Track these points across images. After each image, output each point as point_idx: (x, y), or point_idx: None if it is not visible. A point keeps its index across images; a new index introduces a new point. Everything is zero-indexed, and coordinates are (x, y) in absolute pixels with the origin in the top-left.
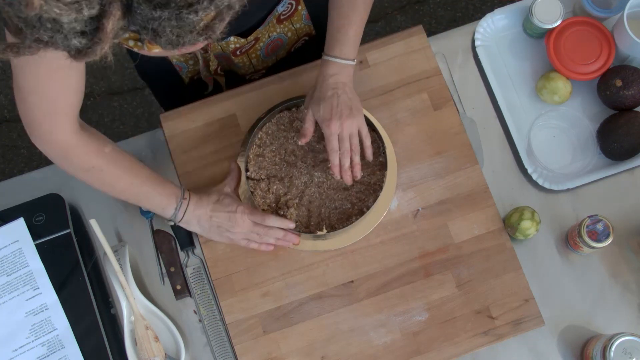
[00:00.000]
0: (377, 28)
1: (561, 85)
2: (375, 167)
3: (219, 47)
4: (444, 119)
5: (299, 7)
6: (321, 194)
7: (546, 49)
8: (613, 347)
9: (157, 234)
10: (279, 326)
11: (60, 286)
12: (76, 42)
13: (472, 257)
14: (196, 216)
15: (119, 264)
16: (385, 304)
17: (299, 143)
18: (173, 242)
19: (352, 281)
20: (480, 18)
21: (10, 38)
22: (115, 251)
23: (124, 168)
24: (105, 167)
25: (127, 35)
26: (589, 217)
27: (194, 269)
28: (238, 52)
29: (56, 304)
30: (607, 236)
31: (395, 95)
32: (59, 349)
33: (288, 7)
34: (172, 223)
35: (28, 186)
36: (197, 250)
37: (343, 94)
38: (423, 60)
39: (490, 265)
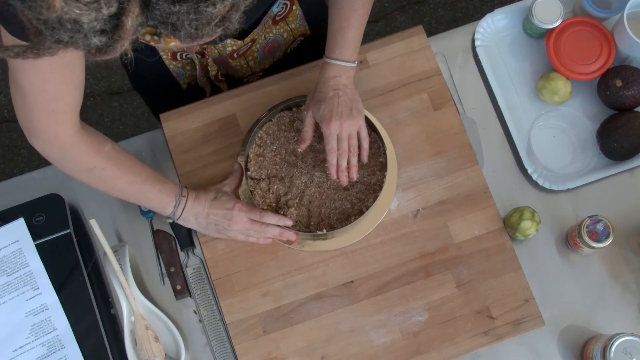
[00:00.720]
0: (377, 28)
1: (561, 85)
2: (376, 167)
3: (216, 51)
4: (444, 119)
5: (294, 7)
6: (321, 194)
7: (546, 49)
8: (613, 347)
9: (157, 234)
10: (279, 326)
11: (60, 286)
12: (96, 40)
13: (472, 257)
14: (194, 213)
15: (119, 264)
16: (385, 304)
17: (298, 149)
18: (173, 242)
19: (352, 281)
20: (480, 18)
21: (6, 40)
22: (115, 251)
23: (125, 167)
24: (106, 166)
25: (144, 30)
26: (589, 217)
27: (194, 269)
28: (235, 55)
29: (56, 304)
30: (607, 236)
31: (395, 95)
32: (59, 349)
33: (283, 8)
34: (171, 220)
35: (28, 186)
36: (197, 250)
37: (344, 94)
38: (423, 60)
39: (490, 266)
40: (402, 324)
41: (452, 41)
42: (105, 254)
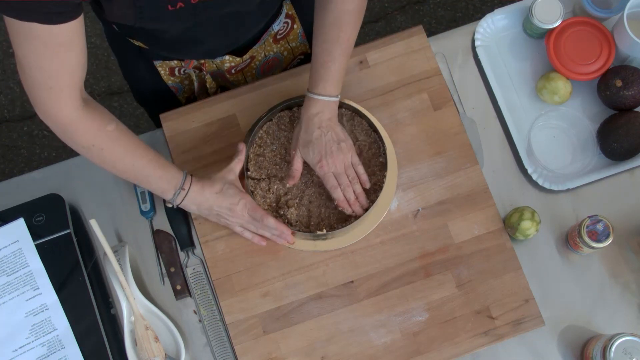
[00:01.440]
0: (377, 28)
1: (561, 85)
2: (376, 168)
3: (214, 65)
4: (444, 119)
5: (295, 26)
6: (321, 194)
7: (546, 49)
8: (613, 347)
9: (157, 234)
10: (279, 326)
11: (60, 286)
12: None
13: (472, 257)
14: (196, 203)
15: (119, 264)
16: (385, 304)
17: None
18: (173, 242)
19: (352, 281)
20: (480, 18)
21: None
22: (115, 251)
23: (126, 148)
24: (105, 146)
25: None
26: (589, 217)
27: (194, 269)
28: (233, 71)
29: (56, 304)
30: (607, 236)
31: (395, 95)
32: (59, 349)
33: (284, 26)
34: (171, 205)
35: (28, 186)
36: (197, 251)
37: (329, 131)
38: (423, 61)
39: (490, 266)
40: (402, 324)
41: (452, 41)
42: (105, 254)
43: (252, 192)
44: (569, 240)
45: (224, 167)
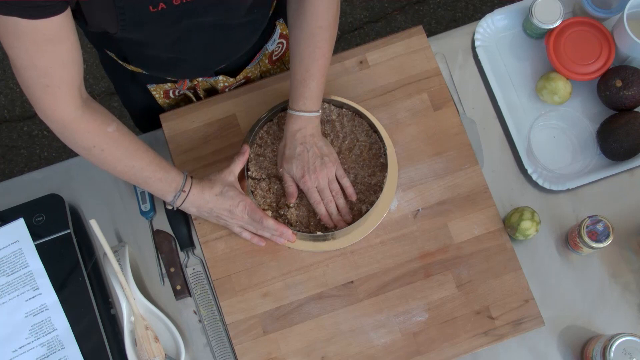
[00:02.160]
0: (377, 28)
1: (561, 86)
2: (376, 168)
3: (208, 84)
4: (444, 119)
5: None
6: None
7: (546, 49)
8: (613, 348)
9: (157, 234)
10: (279, 326)
11: (60, 286)
12: None
13: (472, 258)
14: (196, 205)
15: (119, 264)
16: (385, 304)
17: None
18: (173, 242)
19: (352, 281)
20: (480, 18)
21: None
22: (115, 251)
23: (126, 150)
24: (106, 147)
25: None
26: (589, 217)
27: (194, 269)
28: (227, 90)
29: (56, 304)
30: (607, 236)
31: (395, 96)
32: (59, 349)
33: (279, 47)
34: (171, 207)
35: (28, 186)
36: (197, 251)
37: (312, 147)
38: (423, 61)
39: (490, 266)
40: (402, 324)
41: (452, 41)
42: (105, 254)
43: (252, 192)
44: (569, 240)
45: (223, 167)
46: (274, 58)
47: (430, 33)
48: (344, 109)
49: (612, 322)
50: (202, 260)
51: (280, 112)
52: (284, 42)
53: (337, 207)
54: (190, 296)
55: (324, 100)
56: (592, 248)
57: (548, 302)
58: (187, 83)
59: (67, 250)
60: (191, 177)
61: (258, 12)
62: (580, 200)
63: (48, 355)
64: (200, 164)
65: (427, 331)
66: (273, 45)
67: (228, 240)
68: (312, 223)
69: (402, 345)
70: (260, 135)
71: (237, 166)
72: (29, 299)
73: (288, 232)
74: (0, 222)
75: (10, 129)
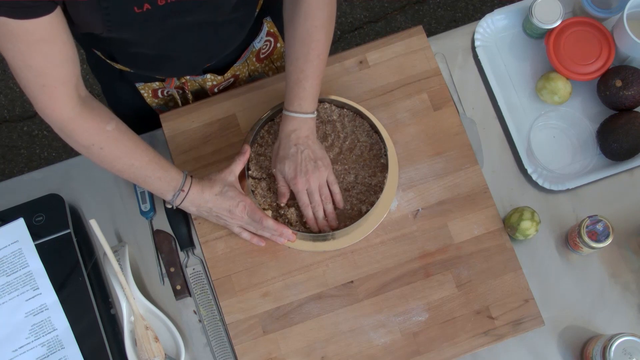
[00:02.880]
0: (377, 28)
1: (561, 86)
2: (377, 169)
3: (197, 84)
4: (444, 119)
5: (278, 45)
6: None
7: (546, 49)
8: (613, 347)
9: (157, 234)
10: (279, 326)
11: (60, 286)
12: None
13: (472, 258)
14: (195, 204)
15: (119, 264)
16: (385, 304)
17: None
18: (173, 242)
19: (352, 281)
20: (480, 18)
21: None
22: (115, 251)
23: (126, 148)
24: (105, 145)
25: None
26: (589, 217)
27: (194, 269)
28: (216, 90)
29: (56, 304)
30: (607, 236)
31: (395, 96)
32: (58, 349)
33: (266, 44)
34: (170, 206)
35: (28, 186)
36: (197, 251)
37: (306, 149)
38: (423, 61)
39: (490, 266)
40: (402, 324)
41: (452, 41)
42: (105, 254)
43: (252, 191)
44: (569, 240)
45: (223, 167)
46: (262, 56)
47: (430, 33)
48: (345, 109)
49: (612, 322)
50: (202, 260)
51: (281, 111)
52: (272, 40)
53: (324, 211)
54: (190, 296)
55: (325, 101)
56: (592, 248)
57: (548, 302)
58: (175, 82)
59: (67, 250)
60: (191, 176)
61: (244, 10)
62: (580, 200)
63: (48, 355)
64: (200, 163)
65: (427, 331)
66: (260, 43)
67: (228, 240)
68: None
69: (402, 345)
70: (261, 134)
71: (238, 166)
72: (29, 299)
73: (288, 232)
74: (0, 222)
75: (10, 129)
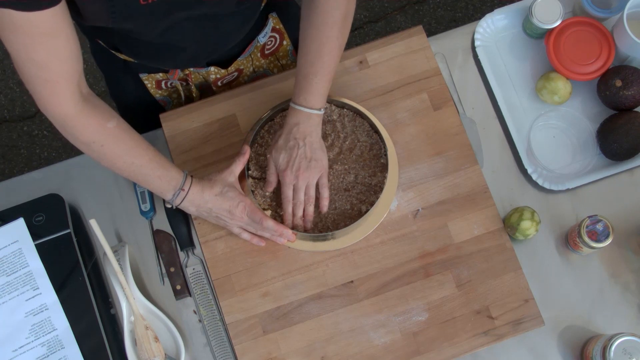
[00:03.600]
0: (377, 28)
1: (561, 86)
2: (377, 169)
3: (200, 77)
4: (444, 119)
5: (284, 42)
6: None
7: (546, 49)
8: (613, 347)
9: (157, 234)
10: (279, 326)
11: (60, 286)
12: None
13: (472, 257)
14: (195, 204)
15: (119, 264)
16: (385, 304)
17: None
18: (173, 242)
19: (352, 281)
20: (480, 18)
21: None
22: (115, 251)
23: (126, 147)
24: (105, 143)
25: None
26: (589, 217)
27: (194, 269)
28: (219, 83)
29: (56, 304)
30: (607, 236)
31: (395, 96)
32: (58, 349)
33: (271, 41)
34: (170, 206)
35: (28, 186)
36: (197, 251)
37: (304, 145)
38: (423, 61)
39: (490, 266)
40: (402, 324)
41: (452, 41)
42: (105, 254)
43: (252, 191)
44: (569, 240)
45: (223, 167)
46: (267, 52)
47: (430, 33)
48: (345, 109)
49: (612, 322)
50: (202, 260)
51: (281, 111)
52: (277, 36)
53: (304, 211)
54: (190, 296)
55: None
56: (592, 248)
57: (548, 302)
58: (179, 73)
59: (67, 250)
60: (191, 176)
61: (249, 3)
62: (580, 200)
63: (48, 355)
64: (200, 163)
65: (427, 331)
66: (265, 38)
67: (228, 240)
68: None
69: (402, 345)
70: (261, 134)
71: (238, 167)
72: (29, 298)
73: (288, 232)
74: (0, 222)
75: (10, 129)
